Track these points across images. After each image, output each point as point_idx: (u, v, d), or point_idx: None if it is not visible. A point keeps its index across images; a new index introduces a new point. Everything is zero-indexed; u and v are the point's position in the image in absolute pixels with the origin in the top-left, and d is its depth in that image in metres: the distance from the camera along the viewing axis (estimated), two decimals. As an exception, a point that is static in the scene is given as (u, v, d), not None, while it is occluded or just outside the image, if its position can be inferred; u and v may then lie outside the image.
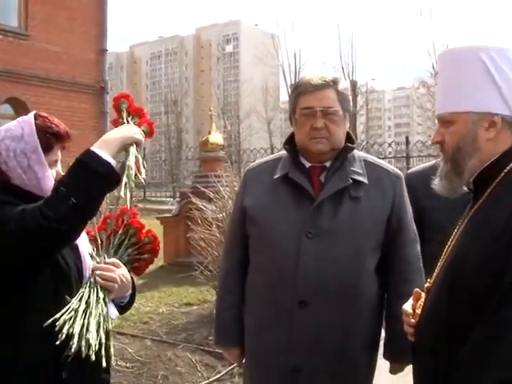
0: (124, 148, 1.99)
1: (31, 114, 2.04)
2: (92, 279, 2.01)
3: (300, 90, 2.45)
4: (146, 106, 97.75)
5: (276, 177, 2.48)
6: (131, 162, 1.99)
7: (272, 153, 25.17)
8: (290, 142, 2.55)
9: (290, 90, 45.55)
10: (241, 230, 2.60)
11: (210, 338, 5.73)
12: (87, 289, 1.98)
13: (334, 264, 2.35)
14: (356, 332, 2.41)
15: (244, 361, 2.68)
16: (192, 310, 7.15)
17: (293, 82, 44.93)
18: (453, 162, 1.79)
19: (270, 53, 53.54)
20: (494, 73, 1.70)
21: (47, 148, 2.00)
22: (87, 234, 2.17)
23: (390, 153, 20.12)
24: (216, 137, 12.16)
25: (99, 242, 2.15)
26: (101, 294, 2.00)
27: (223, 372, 4.88)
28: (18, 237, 1.76)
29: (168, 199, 31.47)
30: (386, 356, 2.54)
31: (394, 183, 2.50)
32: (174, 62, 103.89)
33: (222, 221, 7.07)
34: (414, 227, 2.57)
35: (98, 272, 2.02)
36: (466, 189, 1.81)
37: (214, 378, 4.77)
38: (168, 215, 11.83)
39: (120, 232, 2.20)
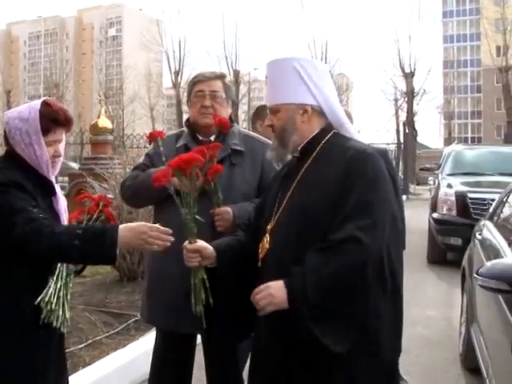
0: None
1: (40, 101, 2.48)
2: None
3: (196, 79, 3.25)
4: (24, 88, 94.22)
5: (178, 145, 3.22)
6: None
7: (156, 139, 25.83)
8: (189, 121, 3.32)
9: (173, 77, 45.68)
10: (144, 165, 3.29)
11: (107, 300, 6.40)
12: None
13: None
14: None
15: (146, 284, 3.33)
16: (86, 280, 7.65)
17: (177, 69, 45.30)
18: (279, 138, 2.44)
19: (154, 39, 53.05)
20: (303, 76, 2.37)
21: (46, 131, 2.43)
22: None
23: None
24: (105, 121, 12.71)
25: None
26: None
27: (120, 327, 5.56)
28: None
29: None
30: None
31: (264, 151, 3.05)
32: (54, 43, 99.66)
33: (115, 199, 7.67)
34: None
35: None
36: (290, 157, 2.48)
37: (113, 331, 5.43)
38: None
39: (94, 216, 2.65)
